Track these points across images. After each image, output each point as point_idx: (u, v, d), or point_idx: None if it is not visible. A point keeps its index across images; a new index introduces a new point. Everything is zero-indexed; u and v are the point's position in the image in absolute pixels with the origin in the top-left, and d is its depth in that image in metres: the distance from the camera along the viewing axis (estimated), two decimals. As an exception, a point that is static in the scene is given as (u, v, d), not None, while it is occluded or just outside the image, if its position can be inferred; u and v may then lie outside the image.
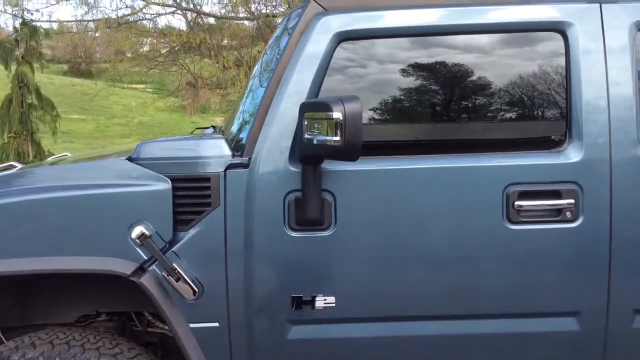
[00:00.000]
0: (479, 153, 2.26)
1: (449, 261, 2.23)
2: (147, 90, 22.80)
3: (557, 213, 2.22)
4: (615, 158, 2.22)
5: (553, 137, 2.29)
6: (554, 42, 2.29)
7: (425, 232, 2.22)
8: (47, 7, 9.69)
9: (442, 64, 2.32)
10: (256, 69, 2.83)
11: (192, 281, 2.17)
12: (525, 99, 2.35)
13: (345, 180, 2.20)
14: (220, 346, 2.24)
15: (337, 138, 1.97)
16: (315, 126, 2.03)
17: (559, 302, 2.27)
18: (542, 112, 2.37)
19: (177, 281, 2.15)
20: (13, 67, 8.79)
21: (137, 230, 2.14)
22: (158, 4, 9.62)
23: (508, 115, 2.37)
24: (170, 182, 2.17)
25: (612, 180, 2.22)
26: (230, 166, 2.20)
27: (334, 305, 2.22)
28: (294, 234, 2.20)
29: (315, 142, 2.02)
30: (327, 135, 1.99)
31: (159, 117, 20.34)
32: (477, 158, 2.24)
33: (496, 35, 2.32)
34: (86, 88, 14.83)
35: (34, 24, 8.96)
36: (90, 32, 11.07)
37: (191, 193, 2.19)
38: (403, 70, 2.32)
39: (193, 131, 3.13)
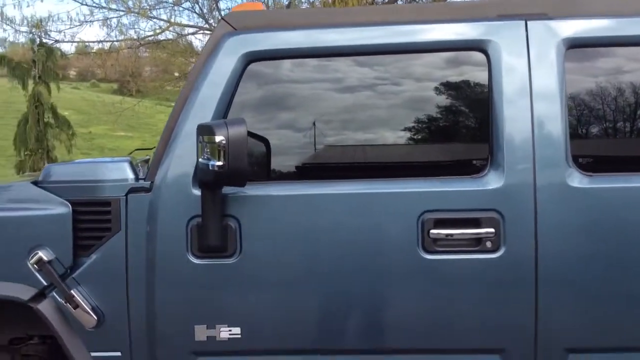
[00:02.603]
0: (393, 178, 2.12)
1: (360, 292, 2.09)
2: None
3: (476, 242, 2.06)
4: (540, 183, 2.04)
5: (474, 162, 2.13)
6: (477, 61, 2.14)
7: (336, 261, 2.09)
8: (70, 28, 9.95)
9: (358, 84, 2.20)
10: None
11: (92, 309, 2.12)
12: (448, 121, 2.20)
13: (250, 205, 2.11)
14: None
15: (221, 163, 1.88)
16: (206, 150, 1.95)
17: (481, 338, 2.09)
18: (464, 135, 2.21)
19: (75, 309, 2.10)
20: (30, 87, 9.11)
21: (36, 256, 2.11)
22: (183, 25, 9.80)
23: (429, 138, 2.22)
24: (70, 206, 2.13)
25: (537, 207, 2.04)
26: (131, 190, 2.14)
27: (239, 336, 2.12)
28: (196, 261, 2.12)
29: (210, 167, 1.94)
30: (216, 159, 1.91)
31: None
32: (391, 183, 2.11)
33: (415, 54, 2.18)
34: (131, 106, 15.29)
35: (50, 45, 9.27)
36: (138, 50, 11.44)
37: (91, 217, 2.15)
38: (316, 91, 2.21)
39: (131, 152, 3.10)
